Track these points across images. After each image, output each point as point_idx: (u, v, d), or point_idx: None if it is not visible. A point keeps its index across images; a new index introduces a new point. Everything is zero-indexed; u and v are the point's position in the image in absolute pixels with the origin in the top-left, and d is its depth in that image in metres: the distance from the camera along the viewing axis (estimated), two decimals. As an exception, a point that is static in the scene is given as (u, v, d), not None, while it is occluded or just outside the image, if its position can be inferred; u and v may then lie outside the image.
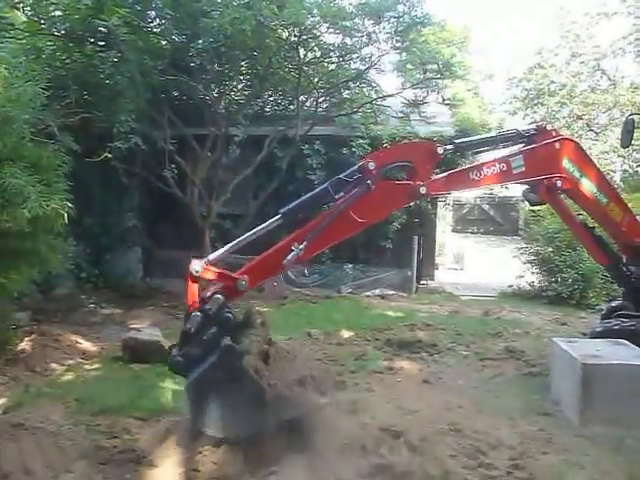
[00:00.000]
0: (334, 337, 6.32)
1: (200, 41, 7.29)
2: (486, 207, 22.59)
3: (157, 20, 8.05)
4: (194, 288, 3.21)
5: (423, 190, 3.65)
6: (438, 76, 9.21)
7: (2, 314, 5.30)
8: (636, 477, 3.15)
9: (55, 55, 7.15)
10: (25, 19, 7.03)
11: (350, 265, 9.55)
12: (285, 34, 8.41)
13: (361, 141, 9.02)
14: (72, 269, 7.25)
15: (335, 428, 3.29)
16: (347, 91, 9.84)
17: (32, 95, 4.09)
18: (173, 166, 8.10)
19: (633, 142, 4.78)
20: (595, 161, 4.86)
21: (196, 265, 3.19)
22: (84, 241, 8.18)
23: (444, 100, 10.12)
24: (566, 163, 4.17)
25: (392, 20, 8.38)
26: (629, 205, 4.66)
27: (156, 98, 7.86)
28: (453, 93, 10.14)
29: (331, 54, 9.06)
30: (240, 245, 3.40)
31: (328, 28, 8.37)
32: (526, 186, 4.48)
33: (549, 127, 4.31)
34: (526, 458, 3.28)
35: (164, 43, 8.12)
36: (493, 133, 4.63)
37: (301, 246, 3.30)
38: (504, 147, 4.20)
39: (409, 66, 9.22)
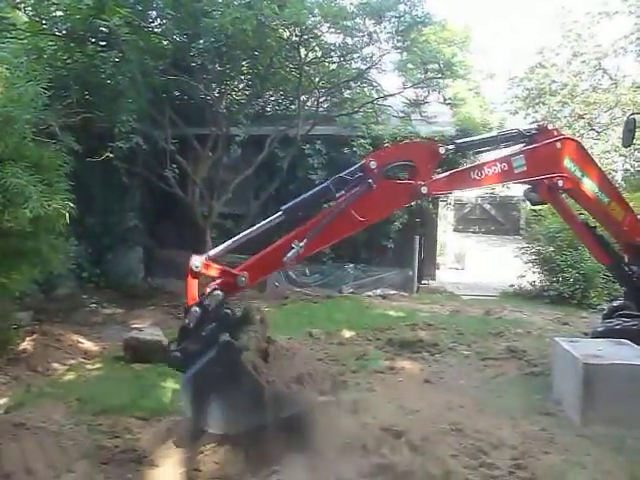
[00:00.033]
0: (335, 337, 6.31)
1: (201, 41, 7.30)
2: (487, 207, 22.57)
3: (158, 20, 8.06)
4: (194, 283, 3.22)
5: (424, 190, 3.65)
6: (439, 76, 9.20)
7: (4, 314, 5.31)
8: (637, 477, 3.15)
9: (56, 55, 7.16)
10: (26, 19, 7.04)
11: (351, 265, 9.55)
12: (286, 34, 8.41)
13: (362, 141, 9.01)
14: (73, 269, 7.27)
15: (336, 428, 3.30)
16: (348, 91, 9.83)
17: (33, 95, 4.09)
18: (174, 166, 8.10)
19: (634, 141, 4.75)
20: (596, 160, 4.86)
21: (196, 261, 3.19)
22: (85, 241, 8.20)
23: (445, 100, 10.10)
24: (567, 162, 4.16)
25: (393, 20, 8.37)
26: (631, 204, 4.65)
27: (157, 98, 7.86)
28: (454, 93, 10.12)
29: (332, 54, 9.06)
30: (240, 241, 3.41)
31: (329, 28, 8.37)
32: (527, 186, 4.48)
33: (550, 126, 4.31)
34: (528, 458, 3.27)
35: (165, 43, 8.13)
36: (494, 133, 4.62)
37: (301, 244, 3.30)
38: (505, 147, 4.20)
39: (410, 66, 9.21)
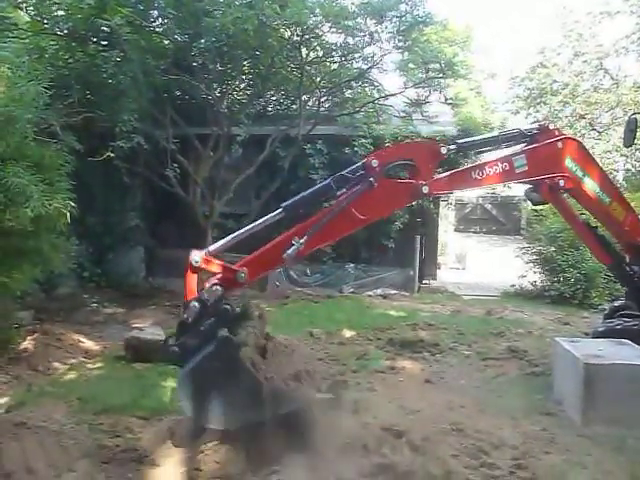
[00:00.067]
0: (336, 336, 6.31)
1: (202, 41, 7.30)
2: (488, 206, 22.57)
3: (160, 20, 8.07)
4: (193, 278, 3.21)
5: (425, 189, 3.65)
6: (440, 75, 9.20)
7: (5, 313, 5.32)
8: (638, 477, 3.15)
9: (58, 55, 7.17)
10: (28, 19, 7.04)
11: (352, 265, 9.55)
12: (287, 34, 8.41)
13: (363, 140, 9.01)
14: (75, 268, 7.29)
15: (336, 427, 3.30)
16: (349, 90, 9.84)
17: (35, 94, 4.10)
18: (175, 165, 8.11)
19: (636, 141, 4.74)
20: (598, 160, 4.84)
21: (196, 256, 3.19)
22: (87, 240, 8.21)
23: (446, 99, 10.10)
24: (569, 162, 4.16)
25: (394, 19, 8.37)
26: (632, 204, 4.65)
27: (158, 97, 7.87)
28: (455, 92, 10.12)
29: (333, 53, 9.06)
30: (240, 238, 3.41)
31: (330, 27, 8.37)
32: (529, 185, 4.47)
33: (552, 126, 4.30)
34: (528, 458, 3.27)
35: (167, 43, 8.13)
36: (496, 133, 4.62)
37: (301, 240, 3.29)
38: (507, 147, 4.19)
39: (411, 65, 9.21)
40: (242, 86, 9.75)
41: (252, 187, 9.23)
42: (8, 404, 4.23)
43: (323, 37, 8.67)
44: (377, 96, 9.69)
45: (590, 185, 4.28)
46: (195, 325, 3.11)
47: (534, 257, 9.80)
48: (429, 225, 10.11)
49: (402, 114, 9.79)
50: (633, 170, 16.83)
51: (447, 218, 16.53)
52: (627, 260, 4.64)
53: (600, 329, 4.75)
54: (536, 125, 4.35)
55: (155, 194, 9.23)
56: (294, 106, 9.52)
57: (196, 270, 3.20)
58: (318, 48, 8.92)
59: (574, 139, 4.49)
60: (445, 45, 9.08)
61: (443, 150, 3.72)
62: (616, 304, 5.05)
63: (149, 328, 5.86)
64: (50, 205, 3.98)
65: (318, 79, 9.26)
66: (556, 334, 5.81)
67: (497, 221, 22.38)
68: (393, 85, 9.82)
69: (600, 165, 4.70)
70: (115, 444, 3.41)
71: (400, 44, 8.74)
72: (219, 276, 3.26)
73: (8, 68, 3.95)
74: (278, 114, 9.79)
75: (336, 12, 7.86)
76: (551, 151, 4.10)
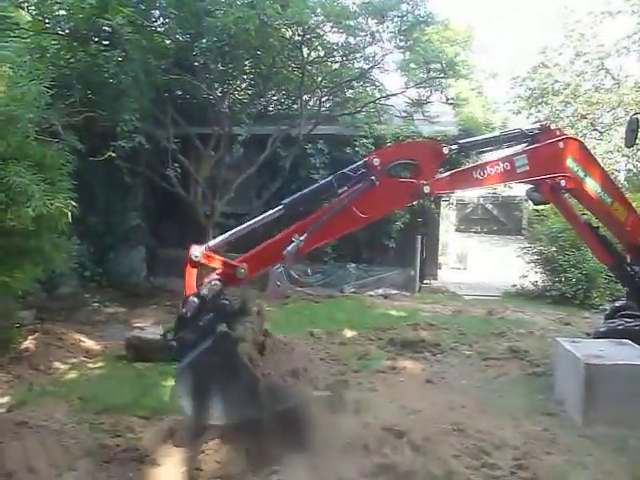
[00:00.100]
0: (337, 336, 6.31)
1: (204, 40, 7.30)
2: (489, 206, 22.54)
3: (161, 19, 8.06)
4: (193, 273, 3.22)
5: (427, 189, 3.65)
6: (442, 75, 9.18)
7: (6, 312, 5.33)
8: (639, 478, 3.14)
9: (59, 54, 7.18)
10: (30, 18, 7.04)
11: (353, 264, 9.54)
12: (289, 33, 8.41)
13: (364, 140, 9.00)
14: (76, 268, 7.29)
15: (338, 427, 3.30)
16: (351, 90, 9.83)
17: (36, 94, 4.10)
18: (177, 165, 8.11)
19: (637, 141, 4.74)
20: (599, 160, 4.84)
21: (196, 250, 3.20)
22: (88, 240, 8.22)
23: (448, 99, 10.08)
24: (570, 162, 4.15)
25: (396, 19, 8.36)
26: (633, 205, 4.64)
27: (160, 97, 7.87)
28: (457, 92, 10.11)
29: (335, 53, 9.05)
30: (240, 234, 3.42)
31: (332, 27, 8.37)
32: (530, 185, 4.47)
33: (553, 126, 4.29)
34: (530, 458, 3.27)
35: (168, 42, 8.13)
36: (497, 133, 4.61)
37: (302, 237, 3.30)
38: (508, 147, 4.19)
39: (413, 65, 9.19)
40: (243, 86, 9.75)
41: (253, 187, 9.23)
42: (9, 403, 4.24)
43: (324, 37, 8.66)
44: (378, 96, 9.68)
45: (591, 185, 4.27)
46: (194, 320, 3.11)
47: (535, 257, 9.78)
48: (430, 225, 10.10)
49: (403, 114, 9.78)
50: (635, 170, 16.79)
51: (448, 218, 16.53)
52: (628, 260, 4.63)
53: (601, 329, 4.75)
54: (537, 125, 4.35)
55: (156, 194, 9.24)
56: (295, 106, 9.51)
57: (196, 265, 3.21)
58: (319, 48, 8.92)
59: (575, 139, 4.48)
60: (446, 45, 9.07)
61: (445, 150, 3.72)
62: (617, 304, 5.05)
63: (150, 328, 5.88)
64: (51, 205, 3.99)
65: (319, 79, 9.25)
66: (557, 334, 5.80)
67: (498, 221, 22.36)
68: (394, 85, 9.81)
69: (601, 165, 4.69)
70: (116, 443, 3.42)
71: (401, 44, 8.72)
72: (219, 271, 3.26)
73: (10, 67, 3.95)
74: (279, 114, 9.79)
75: (337, 12, 7.86)
76: (552, 151, 4.10)
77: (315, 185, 3.61)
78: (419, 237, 9.68)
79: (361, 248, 9.45)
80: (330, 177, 3.50)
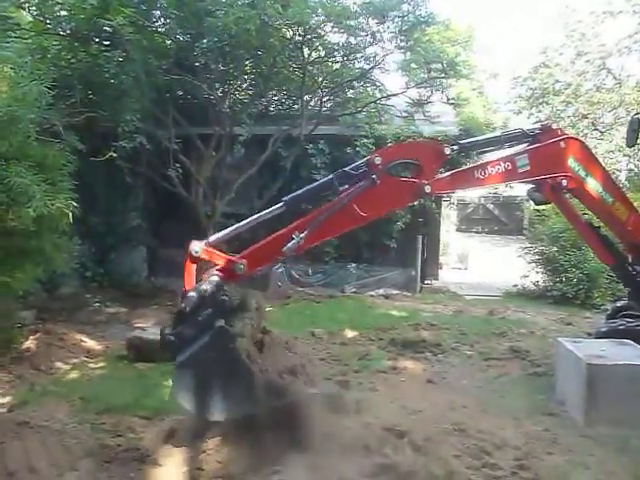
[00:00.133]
0: (338, 337, 6.31)
1: (204, 40, 7.30)
2: (490, 206, 22.52)
3: (162, 20, 8.07)
4: (193, 269, 3.22)
5: (428, 189, 3.65)
6: (442, 75, 9.18)
7: (7, 313, 5.33)
8: (641, 478, 3.14)
9: (60, 55, 7.18)
10: (31, 19, 7.06)
11: (354, 264, 9.54)
12: (289, 33, 8.41)
13: (365, 140, 9.00)
14: (77, 268, 7.29)
15: (339, 427, 3.29)
16: (351, 90, 9.83)
17: (37, 94, 4.11)
18: (178, 165, 8.12)
19: (638, 141, 4.73)
20: (600, 160, 4.83)
21: (196, 246, 3.20)
22: (89, 240, 8.23)
23: (448, 99, 10.08)
24: (571, 162, 4.15)
25: (396, 19, 8.35)
26: (635, 204, 4.63)
27: (161, 97, 7.87)
28: (457, 92, 10.10)
29: (335, 53, 9.05)
30: (240, 230, 3.43)
31: (332, 27, 8.36)
32: (531, 185, 4.46)
33: (554, 126, 4.29)
34: (531, 458, 3.27)
35: (169, 42, 8.14)
36: (498, 133, 4.61)
37: (302, 235, 3.30)
38: (509, 147, 4.18)
39: (413, 65, 9.19)
40: (244, 86, 9.75)
41: (254, 187, 9.23)
42: (11, 403, 4.25)
43: (325, 37, 8.65)
44: (379, 96, 9.68)
45: (593, 185, 4.27)
46: (192, 315, 3.11)
47: (536, 257, 9.77)
48: (431, 225, 10.09)
49: (404, 114, 9.78)
50: (636, 170, 16.76)
51: (449, 218, 16.51)
52: (630, 260, 4.63)
53: (603, 329, 4.74)
54: (538, 125, 4.34)
55: (157, 194, 9.24)
56: (296, 106, 9.51)
57: (196, 260, 3.21)
58: (320, 48, 8.92)
59: (577, 139, 4.48)
60: (447, 45, 9.06)
61: (447, 150, 3.71)
62: (619, 304, 5.04)
63: (151, 328, 5.87)
64: (52, 205, 3.99)
65: (320, 79, 9.25)
66: (558, 334, 5.80)
67: (499, 221, 22.34)
68: (395, 85, 9.81)
69: (603, 165, 4.69)
70: (117, 443, 3.42)
71: (402, 44, 8.72)
72: (218, 267, 3.27)
73: (11, 68, 3.96)
74: (280, 114, 9.79)
75: (338, 12, 7.85)
76: (554, 151, 4.10)
77: (316, 183, 3.62)
78: (420, 237, 9.67)
79: (362, 248, 9.44)
80: (331, 175, 3.50)
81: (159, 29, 8.11)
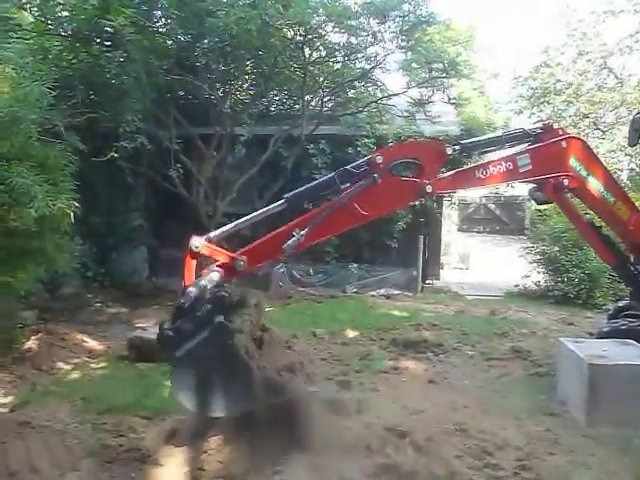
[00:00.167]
0: (339, 337, 6.31)
1: (205, 41, 7.31)
2: (492, 206, 22.49)
3: (163, 20, 8.09)
4: (193, 264, 3.22)
5: (429, 188, 3.65)
6: (443, 75, 9.18)
7: (9, 313, 5.34)
8: (644, 478, 3.13)
9: (62, 55, 7.20)
10: (32, 20, 7.08)
11: (355, 265, 9.54)
12: (290, 33, 8.41)
13: (366, 140, 9.00)
14: (78, 268, 7.30)
15: (340, 427, 3.29)
16: (352, 90, 9.83)
17: (39, 95, 4.11)
18: (179, 166, 8.13)
19: (640, 141, 4.72)
20: (602, 160, 4.82)
21: (196, 241, 3.20)
22: (90, 240, 8.23)
23: (450, 99, 10.08)
24: (573, 162, 4.14)
25: (397, 19, 8.36)
26: (636, 204, 4.62)
27: (162, 98, 7.88)
28: (458, 92, 10.10)
29: (336, 53, 9.05)
30: (241, 226, 3.43)
31: (333, 27, 8.37)
32: (532, 185, 4.46)
33: (556, 126, 4.28)
34: (533, 459, 3.26)
35: (170, 43, 8.15)
36: (500, 133, 4.60)
37: (302, 232, 3.30)
38: (511, 147, 4.18)
39: (414, 65, 9.19)
40: (245, 86, 9.76)
41: (255, 187, 9.23)
42: (12, 403, 4.25)
43: (326, 37, 8.66)
44: (380, 96, 9.68)
45: (594, 184, 4.26)
46: (191, 310, 3.10)
47: (538, 257, 9.76)
48: (432, 225, 10.09)
49: (405, 114, 9.78)
50: (637, 169, 16.72)
51: (450, 218, 16.50)
52: (631, 260, 4.62)
53: (604, 329, 4.73)
54: (540, 124, 4.34)
55: (158, 194, 9.25)
56: (297, 106, 9.52)
57: (196, 255, 3.21)
58: (321, 48, 8.93)
59: (578, 138, 4.47)
60: (448, 45, 9.06)
61: (449, 151, 3.71)
62: (620, 304, 5.03)
63: (152, 328, 5.84)
64: (54, 205, 3.99)
65: (321, 79, 9.26)
66: (560, 334, 5.79)
67: (501, 221, 22.31)
68: (396, 85, 9.82)
69: (604, 164, 4.69)
70: (118, 444, 3.42)
71: (403, 44, 8.72)
72: (218, 263, 3.27)
73: (12, 69, 3.96)
74: (281, 114, 9.80)
75: (339, 12, 7.86)
76: (555, 150, 4.09)
77: (317, 181, 3.62)
78: (421, 237, 9.67)
79: (363, 248, 9.44)
80: (332, 173, 3.50)
81: (160, 29, 8.12)
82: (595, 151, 4.98)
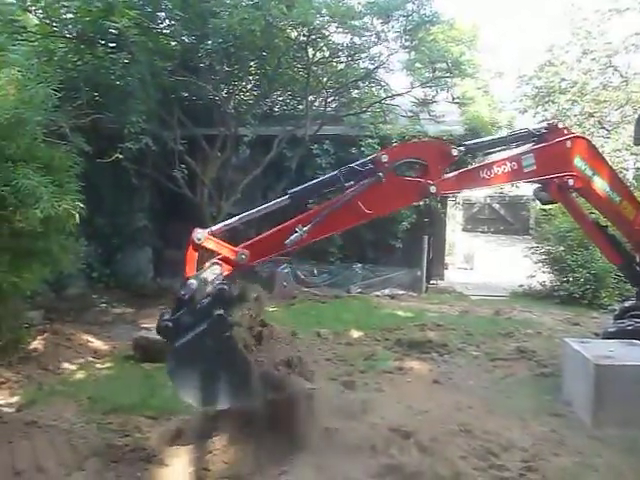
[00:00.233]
0: (343, 337, 6.31)
1: (209, 42, 7.33)
2: (496, 206, 22.43)
3: (167, 21, 8.11)
4: (194, 256, 3.22)
5: (433, 189, 3.64)
6: (447, 75, 9.16)
7: (15, 313, 5.36)
8: (650, 479, 3.12)
9: (67, 57, 7.24)
10: (37, 22, 7.11)
11: (359, 265, 9.53)
12: (294, 34, 8.43)
13: (370, 140, 9.00)
14: (84, 269, 7.34)
15: (345, 428, 3.29)
16: (356, 90, 9.83)
17: (44, 97, 4.14)
18: (183, 166, 8.15)
19: (646, 140, 4.70)
20: (607, 159, 4.80)
21: (199, 233, 3.21)
22: (95, 241, 8.27)
23: (453, 99, 10.06)
24: (578, 161, 4.12)
25: (401, 19, 8.35)
26: (643, 203, 4.59)
27: (166, 99, 7.91)
28: (462, 91, 10.08)
29: (340, 54, 9.06)
30: (244, 220, 3.44)
31: (337, 28, 8.37)
32: (537, 185, 4.44)
33: (560, 125, 4.26)
34: (538, 460, 3.25)
35: (174, 44, 8.18)
36: (504, 133, 4.59)
37: (305, 228, 3.30)
38: (516, 147, 4.16)
39: (418, 65, 9.18)
40: (249, 87, 9.78)
41: (259, 188, 9.24)
42: (19, 403, 4.27)
43: (330, 37, 8.67)
44: (384, 96, 9.67)
45: (600, 184, 4.24)
46: (191, 302, 3.11)
47: (543, 257, 9.73)
48: (436, 225, 10.07)
49: (409, 114, 9.76)
50: (643, 169, 16.65)
51: (455, 218, 16.46)
52: (637, 260, 4.59)
53: (610, 330, 4.70)
54: (545, 124, 4.32)
55: (163, 195, 9.28)
56: (301, 106, 9.52)
57: (198, 248, 3.21)
58: (325, 48, 8.93)
59: (583, 138, 4.45)
60: (452, 44, 9.05)
61: (454, 152, 3.69)
62: (626, 304, 4.99)
63: (157, 328, 5.88)
64: (59, 206, 4.01)
65: (325, 79, 9.26)
66: (565, 335, 5.77)
67: (505, 221, 22.24)
68: (400, 85, 9.80)
69: (610, 164, 4.65)
70: (124, 443, 3.42)
71: (407, 43, 8.71)
72: (220, 256, 3.27)
73: (18, 71, 3.99)
74: (285, 114, 9.81)
75: (343, 12, 7.86)
76: (560, 150, 4.07)
77: (322, 178, 3.62)
78: (426, 237, 9.65)
79: (367, 248, 9.44)
80: (336, 171, 3.51)
81: (164, 31, 8.15)
82: (600, 150, 4.96)
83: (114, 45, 7.34)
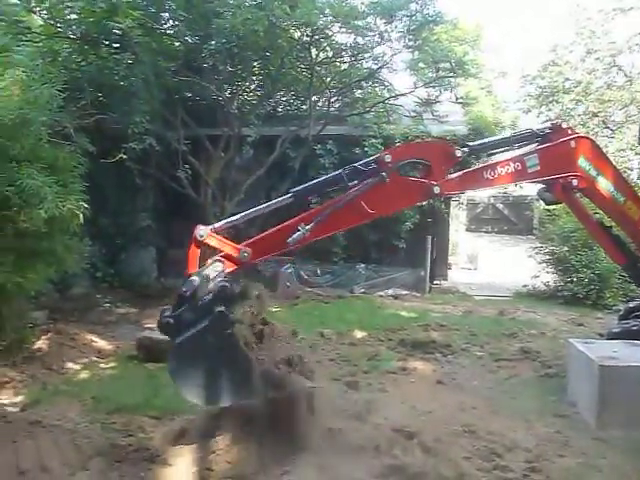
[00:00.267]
0: (347, 337, 6.30)
1: (213, 42, 7.34)
2: (500, 206, 22.36)
3: (170, 22, 8.14)
4: (197, 253, 3.23)
5: (437, 190, 3.63)
6: (451, 74, 9.15)
7: (19, 313, 5.38)
8: (655, 481, 3.10)
9: (71, 58, 7.27)
10: (41, 23, 7.14)
11: (363, 265, 9.52)
12: (297, 34, 8.43)
13: (373, 140, 8.99)
14: (88, 269, 7.35)
15: (348, 428, 3.29)
16: (359, 90, 9.83)
17: (49, 97, 4.16)
18: (187, 166, 8.17)
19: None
20: (611, 159, 4.78)
21: (202, 230, 3.22)
22: (99, 241, 8.29)
23: (457, 99, 10.05)
24: (582, 161, 4.11)
25: (404, 19, 8.35)
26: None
27: (170, 99, 7.93)
28: (466, 91, 10.06)
29: (343, 54, 9.06)
30: (246, 218, 3.46)
31: (340, 28, 8.38)
32: (541, 185, 4.43)
33: (564, 125, 4.24)
34: (542, 461, 3.25)
35: (177, 44, 8.20)
36: (508, 134, 4.58)
37: (307, 227, 3.30)
38: (520, 147, 4.15)
39: (421, 65, 9.17)
40: (252, 87, 9.79)
41: (263, 188, 9.25)
42: (23, 403, 4.28)
43: (333, 37, 8.67)
44: (387, 96, 9.67)
45: (604, 184, 4.22)
46: (193, 299, 3.10)
47: (547, 257, 9.69)
48: (440, 225, 10.06)
49: (412, 114, 9.76)
50: (648, 168, 16.58)
51: (458, 218, 16.43)
52: (642, 260, 4.57)
53: (615, 330, 4.69)
54: (549, 124, 4.30)
55: (166, 195, 9.30)
56: (304, 107, 9.53)
57: (200, 244, 3.22)
58: (328, 48, 8.93)
59: (587, 138, 4.43)
60: (455, 44, 9.03)
61: (458, 153, 3.69)
62: (631, 305, 4.98)
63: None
64: (64, 206, 4.03)
65: (328, 79, 9.26)
66: (570, 335, 5.75)
67: (509, 221, 22.18)
68: (403, 85, 9.80)
69: (614, 164, 4.64)
70: (128, 443, 3.43)
71: (410, 43, 8.71)
72: (222, 253, 3.27)
73: (22, 71, 4.00)
74: (288, 115, 9.82)
75: (346, 12, 7.86)
76: (564, 150, 4.06)
77: (325, 177, 3.62)
78: (429, 237, 9.64)
79: (371, 248, 9.43)
80: (340, 170, 3.51)
81: (168, 31, 8.17)
82: (604, 150, 4.93)
83: (118, 45, 7.36)
